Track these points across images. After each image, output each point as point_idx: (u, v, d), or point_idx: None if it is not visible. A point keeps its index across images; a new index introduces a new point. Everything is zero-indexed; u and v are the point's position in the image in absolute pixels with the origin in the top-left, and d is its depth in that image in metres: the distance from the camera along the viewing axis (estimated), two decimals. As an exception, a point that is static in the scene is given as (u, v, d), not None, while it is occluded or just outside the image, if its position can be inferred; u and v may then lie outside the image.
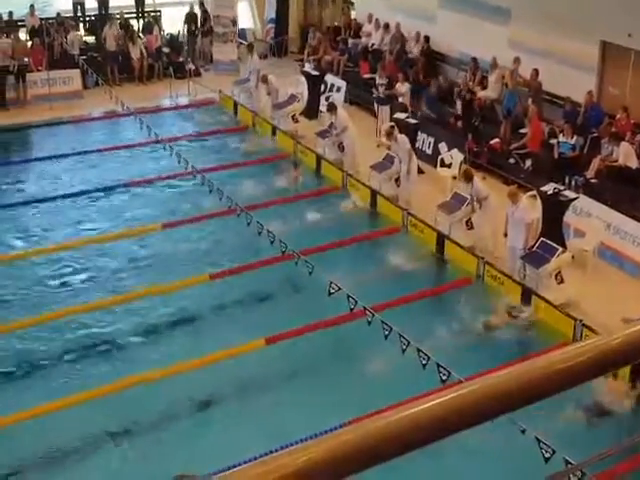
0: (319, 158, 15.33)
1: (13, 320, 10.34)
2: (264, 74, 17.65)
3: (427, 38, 18.72)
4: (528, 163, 14.37)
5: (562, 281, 10.79)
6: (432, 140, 15.48)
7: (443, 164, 14.73)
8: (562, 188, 12.10)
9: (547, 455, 7.32)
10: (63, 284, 11.43)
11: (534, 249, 11.03)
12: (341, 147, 15.28)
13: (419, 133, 15.58)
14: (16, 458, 8.14)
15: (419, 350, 8.90)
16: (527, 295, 10.68)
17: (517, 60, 15.94)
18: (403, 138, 13.83)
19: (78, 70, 18.59)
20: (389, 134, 13.88)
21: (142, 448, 8.20)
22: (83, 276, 11.67)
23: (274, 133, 16.75)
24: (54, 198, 14.07)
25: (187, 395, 9.06)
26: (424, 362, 8.55)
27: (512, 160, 14.65)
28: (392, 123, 15.13)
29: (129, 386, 8.93)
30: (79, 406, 8.62)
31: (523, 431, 7.31)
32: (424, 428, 1.36)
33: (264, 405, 9.03)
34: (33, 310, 10.64)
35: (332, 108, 15.36)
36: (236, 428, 8.56)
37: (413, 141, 14.64)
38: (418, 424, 1.37)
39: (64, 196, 14.14)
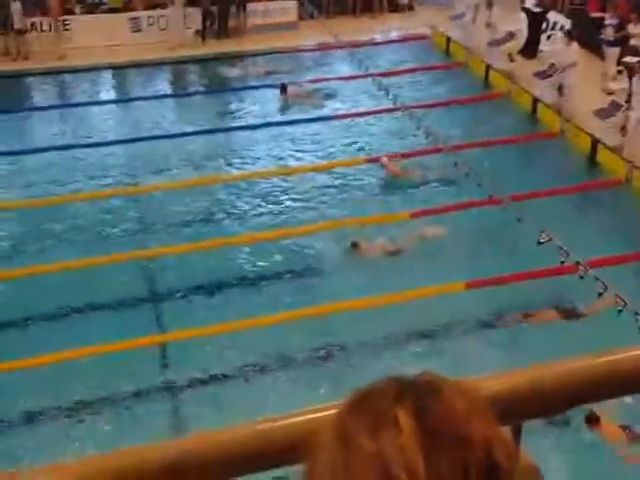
0: (535, 100, 14.35)
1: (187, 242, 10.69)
2: (490, -1, 16.62)
3: (671, -27, 16.64)
4: None
5: None
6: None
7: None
8: None
9: None
10: (252, 210, 11.65)
11: None
12: (561, 90, 14.17)
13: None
14: (163, 379, 8.45)
15: (637, 314, 8.13)
16: None
17: None
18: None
19: (295, 1, 18.85)
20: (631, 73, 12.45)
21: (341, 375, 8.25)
22: (279, 202, 11.84)
23: (487, 72, 15.92)
24: (262, 126, 14.41)
25: (383, 330, 8.98)
26: (643, 326, 7.80)
27: None
28: (620, 67, 13.77)
29: (321, 313, 9.03)
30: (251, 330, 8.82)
31: None
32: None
33: (455, 349, 8.75)
34: (199, 234, 10.87)
35: (569, 39, 14.17)
36: (426, 366, 8.36)
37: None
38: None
39: (271, 124, 14.41)
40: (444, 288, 9.47)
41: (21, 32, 16.95)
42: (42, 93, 16.62)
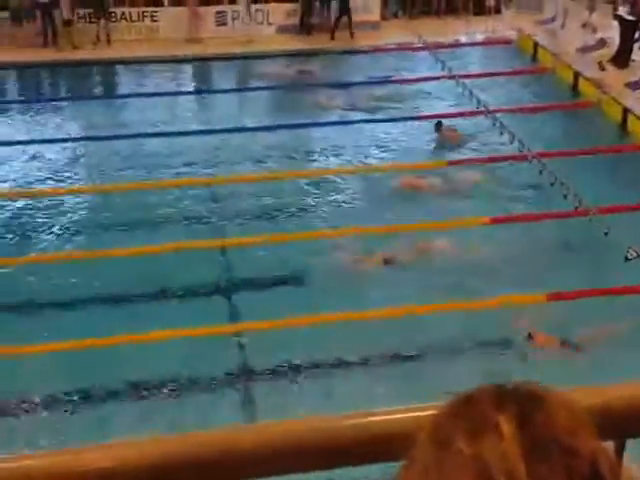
0: (626, 111, 13.86)
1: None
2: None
3: None
4: None
5: None
6: None
7: None
8: None
9: None
10: (329, 205, 11.67)
11: None
12: (654, 101, 13.66)
13: None
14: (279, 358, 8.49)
15: None
16: None
17: None
18: None
19: (379, 0, 18.73)
20: None
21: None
22: (355, 200, 11.77)
23: (576, 79, 15.47)
24: (343, 123, 14.33)
25: (461, 336, 8.79)
26: None
27: None
28: None
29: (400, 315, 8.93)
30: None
31: None
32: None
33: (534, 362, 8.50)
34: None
35: None
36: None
37: None
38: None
39: (352, 122, 14.31)
40: (524, 298, 9.21)
41: (69, 23, 17.25)
42: (126, 81, 16.98)
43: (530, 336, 8.85)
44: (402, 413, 1.29)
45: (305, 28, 18.57)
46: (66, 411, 7.73)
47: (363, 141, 13.71)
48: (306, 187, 12.24)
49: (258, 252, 10.21)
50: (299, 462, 1.32)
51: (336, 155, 13.35)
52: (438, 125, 13.39)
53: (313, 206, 11.72)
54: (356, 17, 18.66)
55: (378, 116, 14.45)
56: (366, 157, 13.21)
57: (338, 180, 12.42)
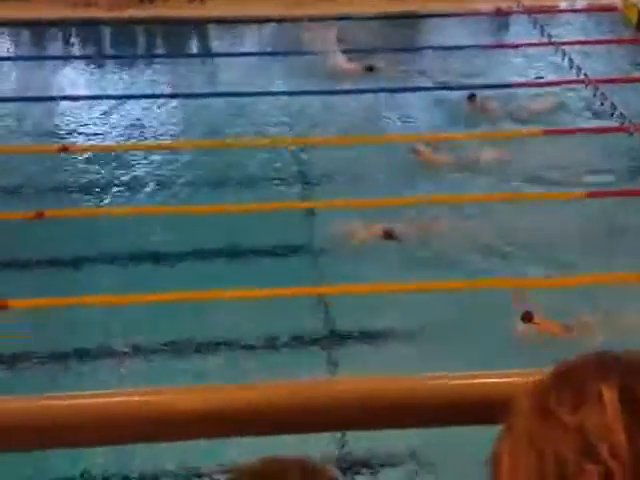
0: None
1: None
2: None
3: None
4: None
5: None
6: None
7: None
8: None
9: None
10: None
11: None
12: None
13: None
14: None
15: None
16: None
17: None
18: None
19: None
20: None
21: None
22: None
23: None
24: (428, 89, 13.89)
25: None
26: None
27: None
28: None
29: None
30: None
31: None
32: None
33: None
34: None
35: None
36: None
37: None
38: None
39: (433, 89, 13.82)
40: (607, 277, 8.87)
41: None
42: (218, 40, 17.01)
43: (526, 318, 7.98)
44: (504, 378, 1.28)
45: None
46: (152, 361, 7.91)
47: (447, 107, 13.17)
48: (387, 152, 11.98)
49: (345, 215, 10.10)
50: (395, 419, 1.32)
51: (414, 120, 12.97)
52: (471, 97, 12.49)
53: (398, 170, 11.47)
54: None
55: (467, 84, 13.88)
56: (446, 126, 12.75)
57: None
